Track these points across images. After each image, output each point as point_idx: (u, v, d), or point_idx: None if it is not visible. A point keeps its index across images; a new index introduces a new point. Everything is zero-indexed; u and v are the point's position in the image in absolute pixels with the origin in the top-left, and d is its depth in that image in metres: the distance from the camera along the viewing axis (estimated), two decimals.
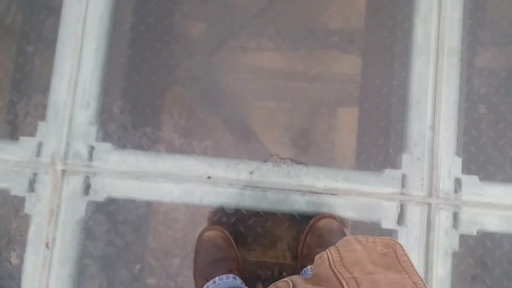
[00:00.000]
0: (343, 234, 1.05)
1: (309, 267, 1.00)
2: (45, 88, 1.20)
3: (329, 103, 1.18)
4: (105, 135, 1.17)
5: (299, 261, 1.08)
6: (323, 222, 1.05)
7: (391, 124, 1.16)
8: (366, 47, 1.20)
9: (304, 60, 1.20)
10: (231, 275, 0.99)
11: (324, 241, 1.02)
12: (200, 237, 1.09)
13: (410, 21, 1.20)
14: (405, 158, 1.14)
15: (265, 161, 1.15)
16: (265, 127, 1.17)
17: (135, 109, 1.19)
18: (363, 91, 1.18)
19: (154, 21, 1.23)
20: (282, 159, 1.15)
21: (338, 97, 1.18)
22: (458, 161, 1.13)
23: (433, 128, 1.15)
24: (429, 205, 1.11)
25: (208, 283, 0.98)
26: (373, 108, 1.17)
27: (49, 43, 1.22)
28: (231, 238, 1.09)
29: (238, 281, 1.00)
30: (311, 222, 1.07)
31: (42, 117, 1.19)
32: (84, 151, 1.16)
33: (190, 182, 1.14)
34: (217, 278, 0.98)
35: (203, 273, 1.03)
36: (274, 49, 1.21)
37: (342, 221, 1.10)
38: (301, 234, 1.09)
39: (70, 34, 1.22)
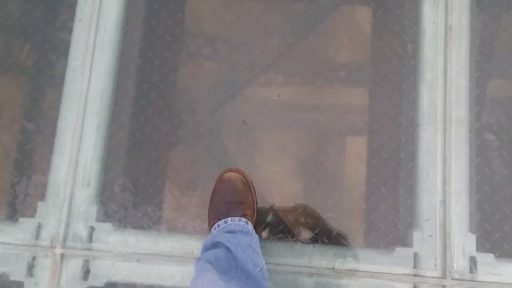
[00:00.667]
0: None
1: None
2: (45, 167, 1.19)
3: (332, 179, 1.15)
4: (105, 216, 1.15)
5: None
6: None
7: (400, 199, 1.12)
8: (371, 119, 1.17)
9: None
10: (243, 219, 0.97)
11: None
12: (220, 176, 1.07)
13: (415, 91, 1.17)
14: (416, 235, 1.09)
15: (270, 239, 1.11)
16: (269, 200, 1.14)
17: (136, 188, 1.16)
18: (369, 165, 1.15)
19: (155, 96, 1.22)
20: (288, 237, 1.11)
21: (342, 176, 1.15)
22: (472, 238, 1.08)
23: (444, 203, 1.10)
24: (444, 287, 1.05)
25: (219, 221, 0.97)
26: (381, 183, 1.13)
27: (50, 120, 1.22)
28: (251, 184, 1.07)
29: (250, 226, 0.97)
30: None
31: (42, 197, 1.17)
32: (84, 233, 1.13)
33: (192, 265, 1.10)
34: (229, 218, 0.97)
35: (217, 211, 1.01)
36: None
37: None
38: None
39: (72, 110, 1.21)
